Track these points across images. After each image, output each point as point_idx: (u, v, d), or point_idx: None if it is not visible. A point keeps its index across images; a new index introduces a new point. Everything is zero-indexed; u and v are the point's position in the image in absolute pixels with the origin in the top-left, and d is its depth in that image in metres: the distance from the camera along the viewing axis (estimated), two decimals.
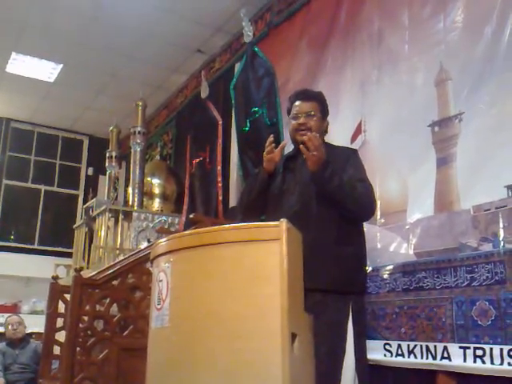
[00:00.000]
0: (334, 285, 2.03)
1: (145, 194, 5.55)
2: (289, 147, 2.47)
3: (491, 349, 2.20)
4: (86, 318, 2.93)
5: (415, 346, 2.55)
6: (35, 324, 5.34)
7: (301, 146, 2.09)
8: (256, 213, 2.33)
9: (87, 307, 2.93)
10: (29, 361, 4.70)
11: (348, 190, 2.06)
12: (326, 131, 2.37)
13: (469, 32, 2.72)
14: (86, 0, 4.78)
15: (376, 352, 2.65)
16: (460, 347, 2.33)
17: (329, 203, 2.08)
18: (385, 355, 2.68)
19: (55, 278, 3.89)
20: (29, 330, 5.02)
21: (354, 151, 2.38)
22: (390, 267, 2.79)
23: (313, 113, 2.27)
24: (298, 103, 2.31)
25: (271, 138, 2.22)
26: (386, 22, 3.30)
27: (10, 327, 4.81)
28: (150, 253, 1.83)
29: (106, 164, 6.29)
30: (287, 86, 4.00)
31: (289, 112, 2.36)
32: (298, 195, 2.16)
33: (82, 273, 3.06)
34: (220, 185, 4.80)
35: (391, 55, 3.20)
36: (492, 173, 2.43)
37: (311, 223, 2.04)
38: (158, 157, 6.60)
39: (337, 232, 2.08)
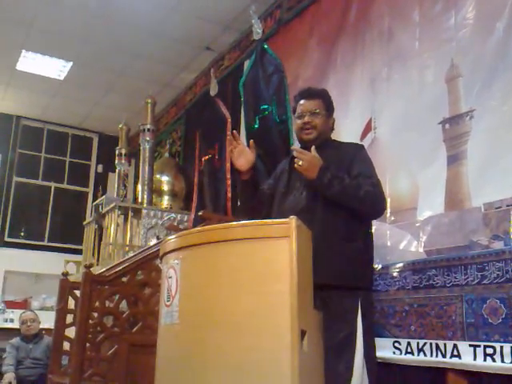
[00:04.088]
0: (341, 280, 2.02)
1: (154, 191, 5.56)
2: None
3: (501, 347, 2.18)
4: (95, 315, 2.95)
5: (425, 343, 2.53)
6: (45, 320, 5.36)
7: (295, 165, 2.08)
8: (258, 213, 2.31)
9: (97, 303, 2.94)
10: (42, 355, 4.78)
11: (352, 190, 2.04)
12: (332, 128, 2.35)
13: (480, 28, 2.69)
14: None
15: (385, 350, 2.64)
16: (470, 345, 2.32)
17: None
18: (394, 353, 2.67)
19: (65, 274, 3.91)
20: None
21: (361, 146, 2.35)
22: (400, 265, 2.78)
23: (317, 111, 2.25)
24: (302, 102, 2.29)
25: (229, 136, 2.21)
26: (396, 18, 3.28)
27: (24, 324, 4.91)
28: (159, 250, 1.84)
29: (116, 161, 6.31)
30: (297, 83, 3.98)
31: (294, 111, 2.35)
32: (304, 193, 2.16)
33: (91, 269, 3.07)
34: (229, 182, 4.79)
35: (402, 52, 3.18)
36: (503, 170, 2.41)
37: (317, 220, 2.03)
38: (166, 154, 6.60)
39: (343, 228, 2.06)
